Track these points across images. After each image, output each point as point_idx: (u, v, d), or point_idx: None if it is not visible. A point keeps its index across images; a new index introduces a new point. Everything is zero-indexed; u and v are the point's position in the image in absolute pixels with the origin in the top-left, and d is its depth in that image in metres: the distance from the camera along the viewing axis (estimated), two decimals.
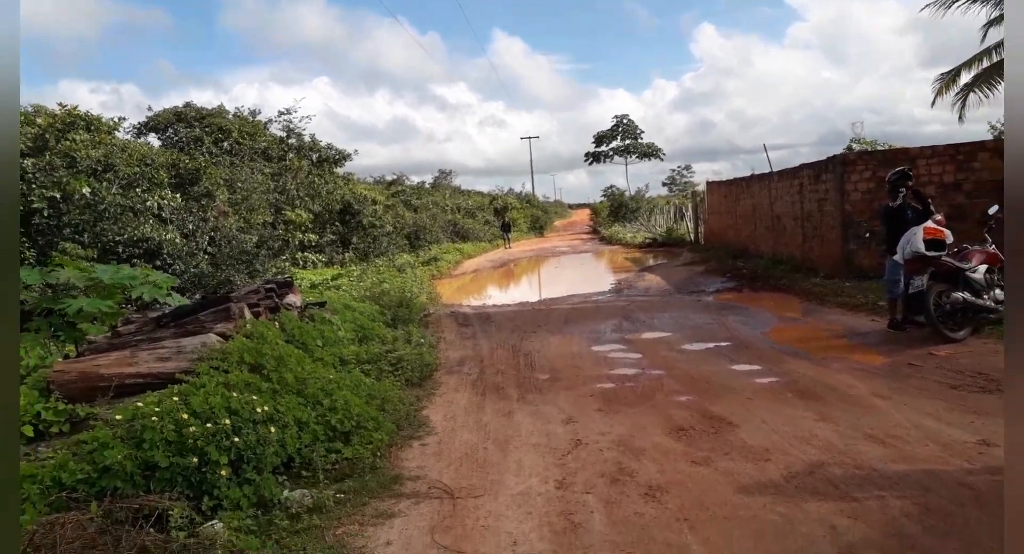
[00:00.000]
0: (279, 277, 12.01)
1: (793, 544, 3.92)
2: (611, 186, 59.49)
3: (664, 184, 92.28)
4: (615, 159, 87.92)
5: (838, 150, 21.54)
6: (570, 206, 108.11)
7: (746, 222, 20.85)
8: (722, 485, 4.78)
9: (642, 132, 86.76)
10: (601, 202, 56.81)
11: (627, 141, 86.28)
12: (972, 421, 5.71)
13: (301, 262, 20.52)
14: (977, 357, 7.70)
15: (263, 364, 6.01)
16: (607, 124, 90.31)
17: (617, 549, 4.01)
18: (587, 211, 69.84)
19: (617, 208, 47.07)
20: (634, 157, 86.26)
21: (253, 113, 24.94)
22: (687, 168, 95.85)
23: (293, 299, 8.90)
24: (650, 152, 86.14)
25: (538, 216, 58.16)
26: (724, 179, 25.25)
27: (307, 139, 25.54)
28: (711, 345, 9.43)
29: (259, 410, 5.03)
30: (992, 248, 8.78)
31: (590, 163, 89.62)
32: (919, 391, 6.67)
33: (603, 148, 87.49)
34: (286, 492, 4.77)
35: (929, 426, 5.64)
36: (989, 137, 30.51)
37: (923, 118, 59.28)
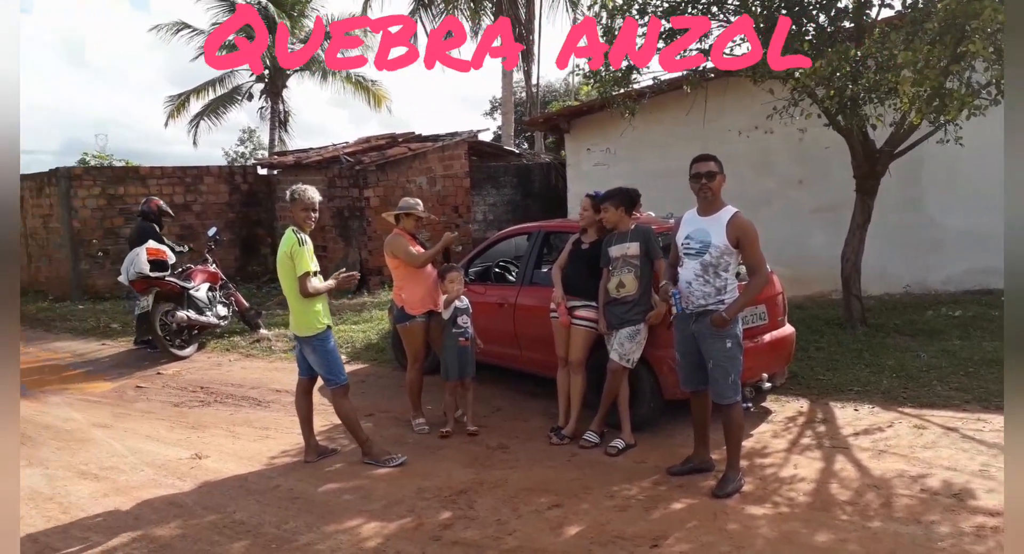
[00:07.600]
0: None
1: None
2: None
3: None
4: None
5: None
6: None
7: None
8: None
9: None
10: None
11: None
12: (188, 436, 5.93)
13: None
14: (201, 372, 8.13)
15: None
16: None
17: None
18: None
19: None
20: None
21: None
22: None
23: None
24: None
25: None
26: None
27: None
28: None
29: None
30: (213, 267, 9.40)
31: None
32: (143, 414, 6.63)
33: None
34: None
35: (147, 450, 5.62)
36: (224, 161, 33.42)
37: (173, 138, 61.03)
